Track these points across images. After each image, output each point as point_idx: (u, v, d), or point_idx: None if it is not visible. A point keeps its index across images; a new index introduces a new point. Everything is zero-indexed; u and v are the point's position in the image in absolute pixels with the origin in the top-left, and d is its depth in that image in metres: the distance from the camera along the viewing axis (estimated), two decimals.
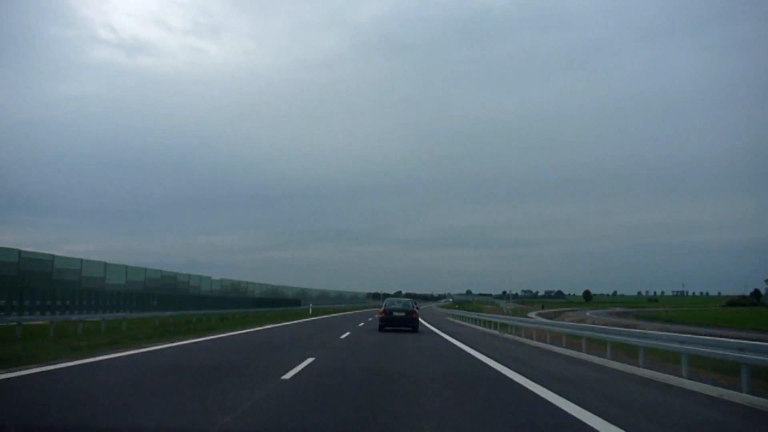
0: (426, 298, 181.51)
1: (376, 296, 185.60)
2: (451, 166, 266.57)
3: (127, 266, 37.20)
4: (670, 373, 11.29)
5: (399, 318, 24.86)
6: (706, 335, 12.65)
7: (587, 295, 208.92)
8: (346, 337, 20.56)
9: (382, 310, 25.42)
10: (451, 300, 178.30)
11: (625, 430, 6.16)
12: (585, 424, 6.39)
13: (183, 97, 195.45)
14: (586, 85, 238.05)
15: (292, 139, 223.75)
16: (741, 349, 9.31)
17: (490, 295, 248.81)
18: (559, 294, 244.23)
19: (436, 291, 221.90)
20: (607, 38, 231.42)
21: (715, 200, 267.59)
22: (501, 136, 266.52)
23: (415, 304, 27.52)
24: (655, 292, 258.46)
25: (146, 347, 14.35)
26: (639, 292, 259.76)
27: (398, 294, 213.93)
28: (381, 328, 24.74)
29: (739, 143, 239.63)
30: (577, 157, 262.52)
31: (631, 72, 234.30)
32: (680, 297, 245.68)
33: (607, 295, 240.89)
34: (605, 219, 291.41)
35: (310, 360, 11.97)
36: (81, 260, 31.56)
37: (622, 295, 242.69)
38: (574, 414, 6.96)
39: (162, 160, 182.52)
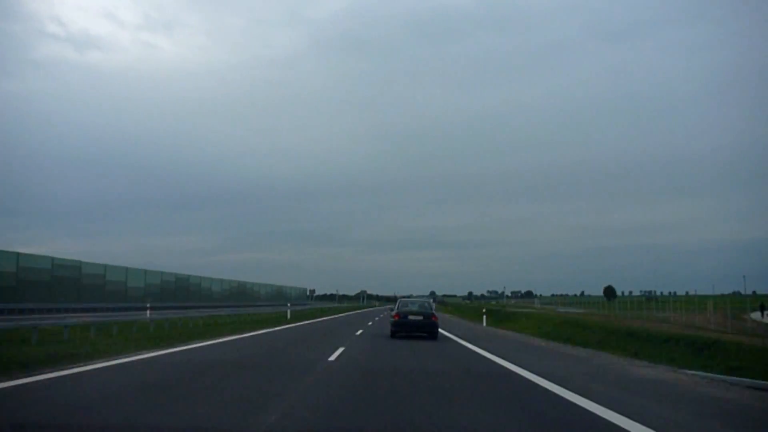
0: (389, 299, 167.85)
1: (331, 297, 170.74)
2: (412, 166, 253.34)
3: None
4: None
5: (415, 322, 22.77)
6: None
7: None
8: None
9: (394, 313, 23.51)
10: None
11: None
12: None
13: (136, 93, 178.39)
14: (549, 85, 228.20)
15: (248, 138, 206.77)
16: None
17: (455, 296, 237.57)
18: (529, 294, 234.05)
19: (399, 292, 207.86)
20: (570, 38, 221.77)
21: (676, 203, 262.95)
22: (462, 137, 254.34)
23: (432, 306, 25.19)
24: (623, 292, 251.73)
25: None
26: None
27: (361, 295, 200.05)
28: (393, 334, 22.58)
29: (709, 144, 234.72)
30: (540, 158, 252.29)
31: (596, 73, 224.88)
32: (652, 297, 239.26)
33: (575, 295, 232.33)
34: (569, 220, 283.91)
35: None
36: None
37: (589, 296, 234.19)
38: None
39: (112, 159, 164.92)
